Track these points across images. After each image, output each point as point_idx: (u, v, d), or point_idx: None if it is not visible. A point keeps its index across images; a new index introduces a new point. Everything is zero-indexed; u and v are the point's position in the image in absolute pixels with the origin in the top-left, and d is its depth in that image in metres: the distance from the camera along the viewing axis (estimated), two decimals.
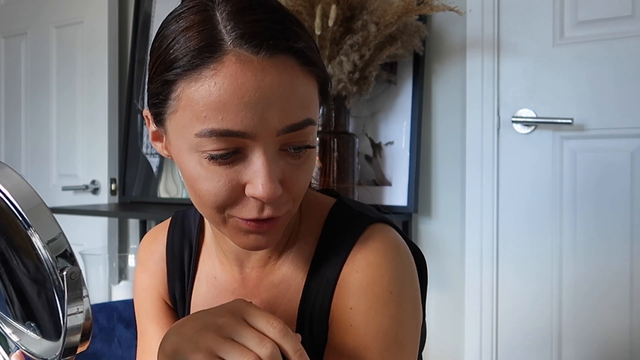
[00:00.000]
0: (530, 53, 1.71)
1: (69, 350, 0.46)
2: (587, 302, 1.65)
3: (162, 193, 2.36)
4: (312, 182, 0.77)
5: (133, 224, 2.56)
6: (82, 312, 0.45)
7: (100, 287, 2.10)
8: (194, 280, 0.79)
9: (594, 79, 1.63)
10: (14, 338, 0.55)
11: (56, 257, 0.44)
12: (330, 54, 1.67)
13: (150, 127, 0.66)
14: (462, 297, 1.82)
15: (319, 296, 0.69)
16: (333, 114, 1.76)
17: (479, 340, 1.78)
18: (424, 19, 1.80)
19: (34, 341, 0.52)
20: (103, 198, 2.52)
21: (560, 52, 1.68)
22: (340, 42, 1.66)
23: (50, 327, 0.50)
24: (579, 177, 1.66)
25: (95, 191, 2.55)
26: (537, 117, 1.70)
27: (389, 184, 1.86)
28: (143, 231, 2.35)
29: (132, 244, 2.56)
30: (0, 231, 0.51)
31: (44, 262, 0.45)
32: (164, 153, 0.66)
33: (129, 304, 1.19)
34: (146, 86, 0.64)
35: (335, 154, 1.74)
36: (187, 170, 0.60)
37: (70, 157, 2.63)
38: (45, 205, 0.45)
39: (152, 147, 2.39)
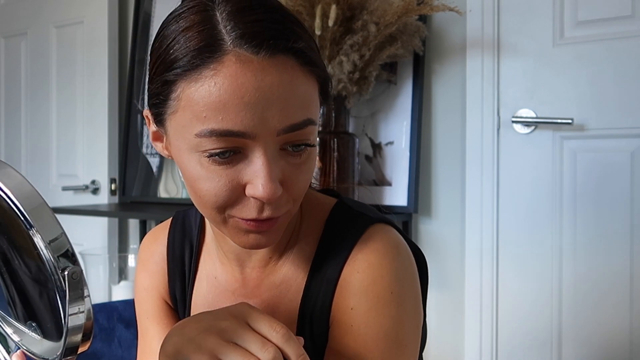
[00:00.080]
0: (530, 53, 1.71)
1: (70, 350, 0.46)
2: (587, 302, 1.65)
3: (162, 193, 2.36)
4: (313, 182, 0.77)
5: (133, 224, 2.56)
6: (83, 312, 0.45)
7: (100, 287, 2.10)
8: (194, 280, 0.79)
9: (594, 79, 1.63)
10: (15, 338, 0.55)
11: (58, 257, 0.44)
12: (330, 54, 1.67)
13: (151, 127, 0.66)
14: (462, 297, 1.82)
15: (319, 296, 0.69)
16: (333, 114, 1.76)
17: (479, 340, 1.78)
18: (424, 19, 1.80)
19: (35, 341, 0.52)
20: (103, 198, 2.52)
21: (560, 52, 1.68)
22: (340, 42, 1.66)
23: (51, 327, 0.50)
24: (579, 177, 1.66)
25: (95, 191, 2.55)
26: (537, 117, 1.70)
27: (389, 184, 1.86)
28: (143, 231, 2.35)
29: (132, 244, 2.56)
30: (1, 231, 0.51)
31: (46, 262, 0.45)
32: (165, 153, 0.66)
33: (129, 304, 1.19)
34: (146, 86, 0.64)
35: (335, 154, 1.74)
36: (188, 170, 0.60)
37: (70, 157, 2.63)
38: (47, 205, 0.45)
39: (152, 147, 2.39)
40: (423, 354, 0.79)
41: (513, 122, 1.73)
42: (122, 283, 2.06)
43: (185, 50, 0.56)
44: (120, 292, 2.01)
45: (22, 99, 2.85)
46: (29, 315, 0.54)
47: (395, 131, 1.87)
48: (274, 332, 0.53)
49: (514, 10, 1.74)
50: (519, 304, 1.74)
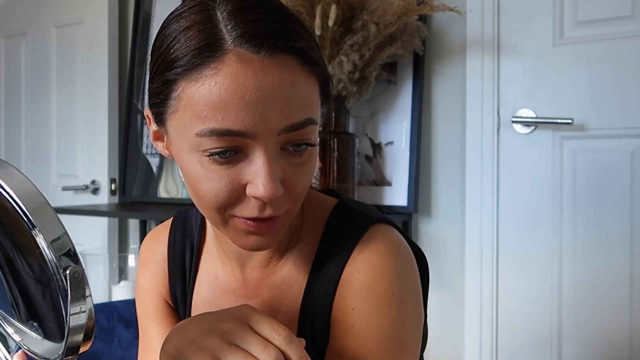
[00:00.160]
0: (530, 53, 1.71)
1: (71, 350, 0.46)
2: (587, 302, 1.65)
3: (162, 193, 2.36)
4: (313, 182, 0.77)
5: (133, 224, 2.56)
6: (85, 311, 0.45)
7: (100, 287, 2.10)
8: (195, 280, 0.79)
9: (594, 79, 1.63)
10: (16, 338, 0.55)
11: (59, 256, 0.44)
12: (330, 54, 1.67)
13: (152, 127, 0.66)
14: (462, 297, 1.82)
15: (320, 297, 0.69)
16: (333, 114, 1.76)
17: (479, 340, 1.78)
18: (424, 19, 1.81)
19: (36, 341, 0.52)
20: (103, 198, 2.52)
21: (560, 52, 1.68)
22: (340, 42, 1.66)
23: (53, 328, 0.50)
24: (579, 177, 1.66)
25: (95, 191, 2.55)
26: (537, 117, 1.70)
27: (389, 184, 1.86)
28: (143, 231, 2.35)
29: (132, 244, 2.56)
30: (4, 231, 0.51)
31: (48, 262, 0.45)
32: (165, 153, 0.66)
33: (129, 304, 1.19)
34: (147, 86, 0.64)
35: (335, 154, 1.74)
36: (188, 170, 0.60)
37: (70, 157, 2.63)
38: (49, 204, 0.45)
39: (152, 147, 2.39)
40: (424, 354, 0.79)
41: (513, 122, 1.73)
42: (122, 283, 2.06)
43: (186, 49, 0.56)
44: (120, 292, 2.01)
45: (22, 99, 2.85)
46: (30, 315, 0.54)
47: (395, 131, 1.87)
48: (276, 334, 0.53)
49: (514, 10, 1.74)
50: (519, 304, 1.74)
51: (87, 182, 2.56)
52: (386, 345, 0.64)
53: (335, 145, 1.74)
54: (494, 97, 1.75)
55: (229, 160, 0.58)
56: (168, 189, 2.36)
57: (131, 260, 2.15)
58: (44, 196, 0.45)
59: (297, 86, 0.57)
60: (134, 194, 2.43)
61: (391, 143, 1.87)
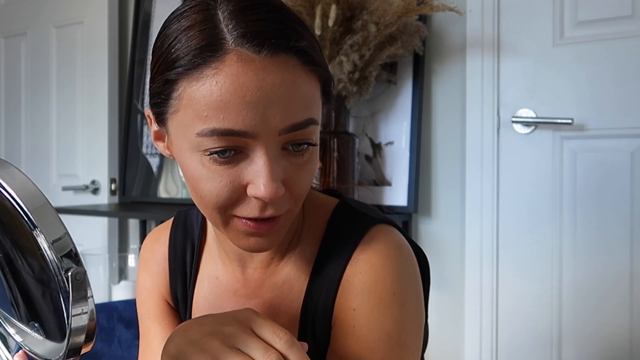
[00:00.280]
0: (530, 53, 1.71)
1: (73, 350, 0.46)
2: (588, 302, 1.65)
3: (162, 193, 2.36)
4: (313, 182, 0.77)
5: (133, 224, 2.56)
6: (86, 312, 0.45)
7: (100, 287, 2.10)
8: (195, 280, 0.79)
9: (594, 79, 1.63)
10: (18, 338, 0.55)
11: (61, 257, 0.44)
12: (330, 54, 1.67)
13: (152, 127, 0.66)
14: (462, 297, 1.82)
15: (321, 297, 0.69)
16: (333, 114, 1.76)
17: (479, 340, 1.78)
18: (424, 19, 1.80)
19: (38, 342, 0.52)
20: (103, 198, 2.52)
21: (560, 52, 1.68)
22: (340, 42, 1.66)
23: (54, 328, 0.50)
24: (579, 177, 1.66)
25: (95, 191, 2.55)
26: (537, 117, 1.70)
27: (389, 184, 1.86)
28: (143, 231, 2.35)
29: (132, 244, 2.56)
30: (5, 231, 0.51)
31: (49, 263, 0.44)
32: (166, 153, 0.66)
33: (129, 304, 1.19)
34: (147, 85, 0.64)
35: (335, 154, 1.74)
36: (189, 170, 0.60)
37: (70, 157, 2.63)
38: (51, 205, 0.45)
39: (152, 147, 2.39)
40: (424, 354, 0.79)
41: (513, 122, 1.73)
42: (122, 283, 2.06)
43: (187, 49, 0.56)
44: (120, 292, 2.01)
45: (22, 99, 2.85)
46: (31, 316, 0.54)
47: (395, 131, 1.87)
48: (277, 338, 0.53)
49: (514, 10, 1.74)
50: (519, 304, 1.74)
51: (87, 182, 2.56)
52: (387, 346, 0.64)
53: (335, 145, 1.74)
54: (494, 97, 1.75)
55: (230, 160, 0.57)
56: (168, 189, 2.36)
57: (131, 260, 2.15)
58: (45, 196, 0.45)
59: (298, 86, 0.57)
60: (134, 194, 2.43)
61: (391, 143, 1.87)
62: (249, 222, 0.60)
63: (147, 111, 0.65)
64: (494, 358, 1.77)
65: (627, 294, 1.59)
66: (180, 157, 0.61)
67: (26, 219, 0.44)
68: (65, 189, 2.55)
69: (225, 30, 0.56)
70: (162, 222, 0.87)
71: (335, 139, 1.74)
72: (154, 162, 2.39)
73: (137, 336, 1.08)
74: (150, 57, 0.63)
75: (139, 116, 2.44)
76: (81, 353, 0.47)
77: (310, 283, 0.70)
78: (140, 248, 0.87)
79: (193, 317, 0.78)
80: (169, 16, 0.62)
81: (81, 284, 0.44)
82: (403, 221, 1.83)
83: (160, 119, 0.62)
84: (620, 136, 1.61)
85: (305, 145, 0.60)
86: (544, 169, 1.70)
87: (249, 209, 0.59)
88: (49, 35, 2.70)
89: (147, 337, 0.81)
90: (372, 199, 1.87)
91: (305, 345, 0.55)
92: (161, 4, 2.43)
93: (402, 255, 0.68)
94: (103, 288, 2.10)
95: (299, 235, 0.73)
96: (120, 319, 1.17)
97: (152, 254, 0.83)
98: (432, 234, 1.88)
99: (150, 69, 0.63)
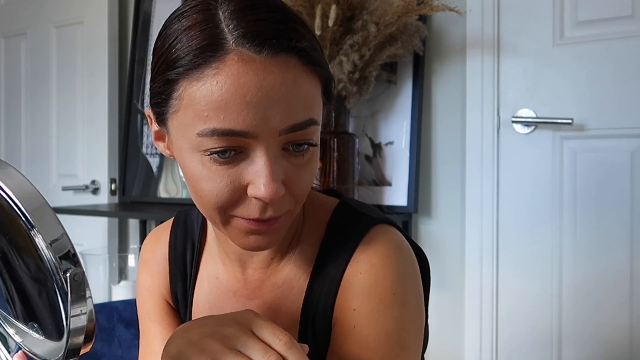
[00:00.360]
0: (530, 53, 1.71)
1: (72, 351, 0.46)
2: (588, 302, 1.65)
3: (162, 193, 2.36)
4: (313, 182, 0.77)
5: (133, 224, 2.56)
6: (85, 313, 0.45)
7: (100, 287, 2.09)
8: (195, 280, 0.79)
9: (594, 79, 1.63)
10: (17, 339, 0.55)
11: (59, 257, 0.44)
12: (330, 54, 1.67)
13: (153, 127, 0.66)
14: (462, 297, 1.82)
15: (322, 297, 0.68)
16: (333, 114, 1.76)
17: (479, 340, 1.78)
18: (424, 19, 1.80)
19: (37, 342, 0.52)
20: (103, 198, 2.52)
21: (560, 52, 1.68)
22: (340, 42, 1.66)
23: (51, 327, 0.50)
24: (579, 177, 1.66)
25: (95, 191, 2.55)
26: (537, 117, 1.70)
27: (389, 184, 1.86)
28: (143, 231, 2.35)
29: (132, 244, 2.56)
30: (2, 231, 0.51)
31: (47, 263, 0.44)
32: (167, 153, 0.66)
33: (129, 304, 1.19)
34: (147, 85, 0.64)
35: (335, 154, 1.74)
36: (189, 170, 0.60)
37: (70, 157, 2.63)
38: (49, 205, 0.45)
39: (152, 147, 2.39)
40: (424, 355, 0.79)
41: (513, 122, 1.73)
42: (122, 283, 2.06)
43: (187, 49, 0.56)
44: (120, 292, 2.01)
45: (22, 99, 2.85)
46: (29, 315, 0.54)
47: (395, 131, 1.87)
48: (277, 339, 0.53)
49: (514, 10, 1.74)
50: (519, 304, 1.74)
51: (87, 182, 2.56)
52: (387, 346, 0.64)
53: (335, 145, 1.74)
54: (494, 97, 1.75)
55: (230, 161, 0.57)
56: (168, 189, 2.36)
57: (131, 260, 2.15)
58: (43, 197, 0.45)
59: (298, 86, 0.57)
60: (134, 194, 2.43)
61: (391, 143, 1.87)
62: (249, 220, 0.60)
63: (148, 111, 0.65)
64: (494, 358, 1.77)
65: (627, 294, 1.59)
66: (181, 157, 0.61)
67: (24, 219, 0.44)
68: (65, 189, 2.55)
69: (226, 30, 0.56)
70: (162, 222, 0.87)
71: (335, 139, 1.74)
72: (154, 162, 2.39)
73: (137, 336, 1.08)
74: (151, 57, 0.63)
75: (139, 116, 2.44)
76: (80, 353, 0.47)
77: (311, 283, 0.70)
78: (140, 248, 0.87)
79: (193, 317, 0.78)
80: (170, 16, 0.62)
81: (80, 285, 0.44)
82: (403, 221, 1.83)
83: (161, 118, 0.62)
84: (620, 136, 1.61)
85: (306, 146, 0.60)
86: (544, 169, 1.70)
87: (249, 210, 0.59)
88: (49, 35, 2.70)
89: (147, 337, 0.81)
90: (372, 199, 1.87)
91: (306, 347, 0.55)
92: (161, 4, 2.43)
93: (402, 255, 0.68)
94: (103, 288, 2.10)
95: (299, 236, 0.72)
96: (120, 319, 1.17)
97: (152, 254, 0.83)
98: (432, 234, 1.88)
99: (151, 68, 0.63)
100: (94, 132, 2.54)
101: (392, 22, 1.64)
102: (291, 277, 0.71)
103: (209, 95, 0.55)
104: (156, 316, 0.81)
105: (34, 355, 0.53)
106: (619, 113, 1.60)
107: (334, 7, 1.61)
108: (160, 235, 0.84)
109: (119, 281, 2.08)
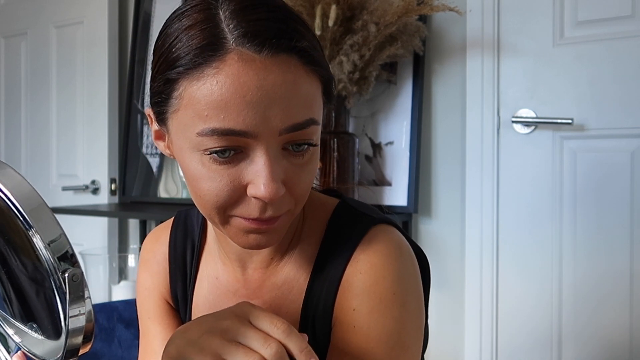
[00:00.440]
0: (530, 53, 1.71)
1: (71, 352, 0.46)
2: (588, 303, 1.65)
3: (162, 193, 2.36)
4: (314, 182, 0.77)
5: (133, 224, 2.56)
6: (84, 313, 0.45)
7: (100, 287, 2.09)
8: (195, 280, 0.79)
9: (594, 79, 1.63)
10: (16, 339, 0.55)
11: (57, 258, 0.44)
12: (330, 54, 1.67)
13: (153, 126, 0.66)
14: (462, 297, 1.82)
15: (322, 297, 0.68)
16: (333, 114, 1.76)
17: (479, 340, 1.78)
18: (424, 19, 1.80)
19: (37, 342, 0.52)
20: (103, 198, 2.52)
21: (560, 52, 1.68)
22: (340, 42, 1.66)
23: (50, 327, 0.50)
24: (579, 177, 1.66)
25: (95, 191, 2.55)
26: (537, 117, 1.70)
27: (389, 184, 1.86)
28: (143, 231, 2.35)
29: (132, 244, 2.56)
30: (0, 231, 0.51)
31: (45, 263, 0.44)
32: (167, 152, 0.66)
33: (129, 304, 1.19)
34: (148, 85, 0.64)
35: (335, 154, 1.74)
36: (189, 169, 0.60)
37: (70, 157, 2.63)
38: (47, 205, 0.45)
39: (152, 147, 2.39)
40: (424, 355, 0.79)
41: (513, 122, 1.73)
42: (122, 283, 2.06)
43: (188, 48, 0.56)
44: (120, 292, 2.01)
45: (22, 99, 2.85)
46: (27, 316, 0.54)
47: (395, 131, 1.87)
48: (275, 327, 0.53)
49: (514, 10, 1.74)
50: (519, 304, 1.74)
51: (87, 182, 2.56)
52: (387, 346, 0.64)
53: (335, 145, 1.74)
54: (494, 97, 1.75)
55: (230, 160, 0.57)
56: (168, 189, 2.36)
57: (131, 260, 2.15)
58: (41, 197, 0.45)
59: (299, 86, 0.57)
60: (134, 194, 2.43)
61: (391, 143, 1.87)
62: (249, 219, 0.60)
63: (148, 110, 0.66)
64: (494, 358, 1.77)
65: (627, 294, 1.59)
66: (181, 157, 0.61)
67: (22, 219, 0.44)
68: (65, 189, 2.55)
69: (226, 29, 0.56)
70: (162, 222, 0.87)
71: (335, 139, 1.74)
72: (154, 162, 2.39)
73: (137, 336, 1.08)
74: (151, 57, 0.63)
75: (139, 116, 2.44)
76: (79, 354, 0.46)
77: (311, 283, 0.70)
78: (140, 248, 0.87)
79: (193, 317, 0.78)
80: (170, 15, 0.62)
81: (78, 285, 0.44)
82: (403, 221, 1.83)
83: (161, 118, 0.62)
84: (620, 136, 1.61)
85: (306, 146, 0.60)
86: (544, 169, 1.70)
87: (249, 209, 0.59)
88: (49, 35, 2.70)
89: (147, 337, 0.81)
90: (372, 199, 1.86)
91: (305, 336, 0.55)
92: (161, 4, 2.43)
93: (402, 255, 0.68)
94: (103, 288, 2.10)
95: (299, 235, 0.72)
96: (120, 319, 1.17)
97: (152, 254, 0.83)
98: (432, 234, 1.88)
99: (151, 68, 0.63)
100: (94, 132, 2.54)
101: (392, 22, 1.64)
102: (291, 277, 0.71)
103: (209, 94, 0.55)
104: (156, 316, 0.81)
105: (33, 355, 0.53)
106: (619, 113, 1.60)
107: (334, 7, 1.61)
108: (160, 235, 0.84)
109: (119, 281, 2.08)
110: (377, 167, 1.89)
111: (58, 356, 0.47)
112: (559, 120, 1.65)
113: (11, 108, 2.92)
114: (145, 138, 2.43)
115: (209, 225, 0.80)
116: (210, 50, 0.55)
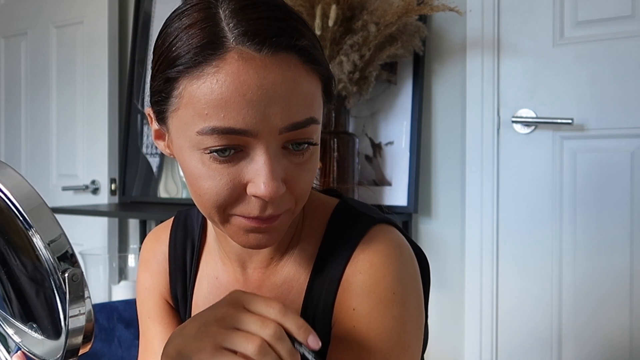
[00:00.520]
0: (530, 53, 1.71)
1: (71, 352, 0.46)
2: (588, 302, 1.65)
3: (162, 193, 2.36)
4: (314, 182, 0.77)
5: (133, 224, 2.56)
6: (84, 313, 0.45)
7: (100, 287, 2.09)
8: (195, 280, 0.79)
9: (594, 79, 1.63)
10: (16, 339, 0.55)
11: (57, 258, 0.44)
12: (330, 54, 1.67)
13: (153, 125, 0.66)
14: (462, 297, 1.82)
15: (322, 297, 0.68)
16: (333, 114, 1.76)
17: (479, 340, 1.78)
18: (424, 19, 1.80)
19: (37, 342, 0.52)
20: (103, 198, 2.52)
21: (560, 52, 1.68)
22: (340, 42, 1.66)
23: (50, 327, 0.50)
24: (579, 177, 1.66)
25: (95, 191, 2.54)
26: (537, 117, 1.70)
27: (389, 184, 1.86)
28: (143, 231, 2.35)
29: (132, 244, 2.56)
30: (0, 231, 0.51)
31: (45, 263, 0.44)
32: (167, 152, 0.66)
33: (129, 304, 1.19)
34: (148, 85, 0.64)
35: (335, 154, 1.73)
36: (189, 168, 0.60)
37: (70, 157, 2.63)
38: (47, 205, 0.45)
39: (152, 147, 2.39)
40: (424, 355, 0.79)
41: (513, 122, 1.73)
42: (122, 283, 2.06)
43: (188, 47, 0.56)
44: (120, 292, 2.01)
45: (22, 99, 2.85)
46: (27, 315, 0.54)
47: (395, 131, 1.87)
48: (271, 309, 0.53)
49: (514, 10, 1.74)
50: (519, 304, 1.74)
51: (87, 182, 2.55)
52: (387, 346, 0.64)
53: (335, 145, 1.74)
54: (494, 97, 1.75)
55: (230, 159, 0.57)
56: (168, 189, 2.36)
57: (131, 260, 2.15)
58: (41, 197, 0.45)
59: (299, 85, 0.57)
60: (134, 194, 2.42)
61: (391, 143, 1.87)
62: (249, 218, 0.60)
63: (148, 110, 0.66)
64: (494, 358, 1.77)
65: (627, 294, 1.59)
66: (181, 156, 0.61)
67: (22, 219, 0.44)
68: (65, 189, 2.55)
69: (226, 28, 0.56)
70: (162, 222, 0.87)
71: (335, 139, 1.74)
72: (154, 162, 2.39)
73: (137, 336, 1.08)
74: (151, 56, 0.63)
75: (139, 116, 2.44)
76: (79, 354, 0.46)
77: (310, 283, 0.70)
78: (140, 248, 0.87)
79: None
80: (170, 15, 0.62)
81: (78, 285, 0.44)
82: (403, 221, 1.83)
83: (161, 117, 0.62)
84: (620, 136, 1.61)
85: (306, 145, 0.60)
86: (544, 169, 1.70)
87: (249, 208, 0.59)
88: (49, 35, 2.70)
89: (147, 336, 0.81)
90: (372, 199, 1.86)
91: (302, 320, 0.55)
92: (161, 4, 2.43)
93: (402, 255, 0.68)
94: (103, 288, 2.10)
95: (298, 235, 0.72)
96: (120, 319, 1.17)
97: (152, 254, 0.83)
98: (432, 234, 1.88)
99: (151, 67, 0.63)
100: (94, 132, 2.54)
101: (392, 22, 1.64)
102: (291, 276, 0.71)
103: (209, 93, 0.55)
104: (156, 316, 0.81)
105: (33, 355, 0.52)
106: (619, 113, 1.60)
107: (334, 7, 1.61)
108: (160, 235, 0.84)
109: (119, 281, 2.08)
110: (377, 167, 1.89)
111: (58, 356, 0.47)
112: (559, 120, 1.65)
113: (11, 108, 2.92)
114: (145, 138, 2.43)
115: (209, 225, 0.80)
116: (210, 48, 0.55)
